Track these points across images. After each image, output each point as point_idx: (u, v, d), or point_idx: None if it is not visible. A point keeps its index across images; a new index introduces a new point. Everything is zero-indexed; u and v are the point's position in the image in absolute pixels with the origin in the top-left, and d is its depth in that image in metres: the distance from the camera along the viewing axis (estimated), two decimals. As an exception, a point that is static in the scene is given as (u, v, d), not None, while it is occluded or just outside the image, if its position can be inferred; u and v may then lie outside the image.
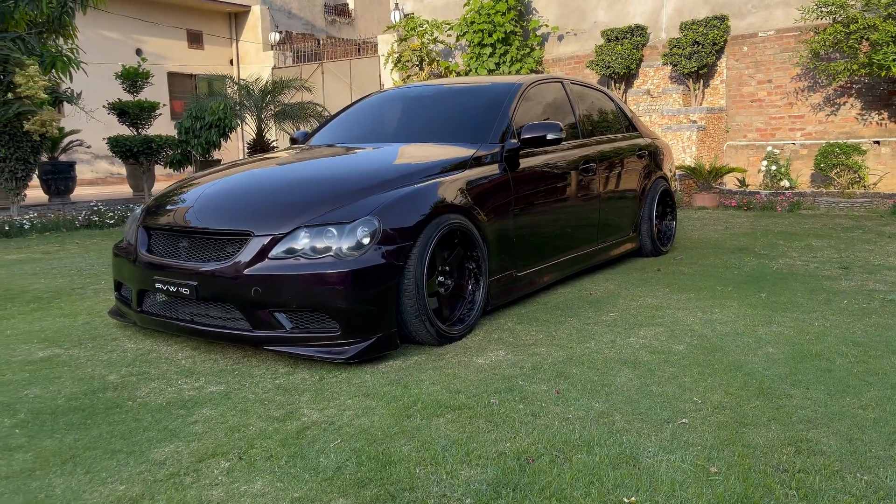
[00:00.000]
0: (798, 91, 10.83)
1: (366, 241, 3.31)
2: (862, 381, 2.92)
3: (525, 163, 4.40)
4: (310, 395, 2.97)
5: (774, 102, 11.08)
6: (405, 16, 14.96)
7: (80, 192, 11.53)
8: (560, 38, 13.21)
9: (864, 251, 6.06)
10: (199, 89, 18.35)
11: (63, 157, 11.47)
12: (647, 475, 2.17)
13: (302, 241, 3.32)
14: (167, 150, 11.05)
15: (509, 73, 12.62)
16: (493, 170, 4.14)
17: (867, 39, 9.26)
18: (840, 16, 9.47)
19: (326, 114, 13.85)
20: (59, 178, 10.75)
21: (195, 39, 18.58)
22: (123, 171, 16.40)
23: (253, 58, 19.04)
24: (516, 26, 12.82)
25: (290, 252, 3.31)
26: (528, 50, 12.84)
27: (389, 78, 15.09)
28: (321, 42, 19.35)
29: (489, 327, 3.92)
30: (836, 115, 10.58)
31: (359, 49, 18.94)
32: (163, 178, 15.65)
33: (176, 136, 11.26)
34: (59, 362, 3.48)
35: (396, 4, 15.17)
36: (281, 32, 19.18)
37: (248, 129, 12.74)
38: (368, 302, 3.30)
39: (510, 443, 2.43)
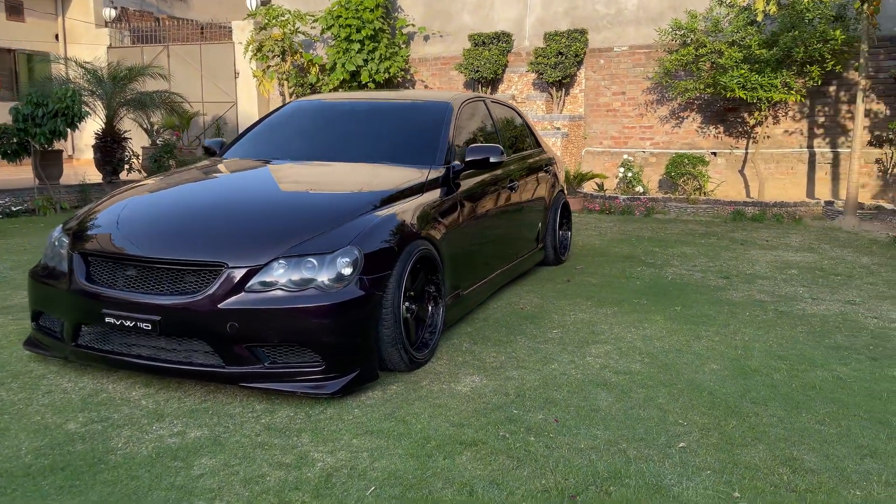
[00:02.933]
0: (648, 104, 11.79)
1: (347, 271, 3.24)
2: (805, 396, 3.33)
3: (465, 184, 4.49)
4: (308, 435, 2.89)
5: (627, 113, 11.98)
6: (263, 3, 14.38)
7: None
8: (426, 38, 13.35)
9: (731, 259, 6.79)
10: (21, 68, 16.51)
11: None
12: (680, 504, 2.38)
13: (280, 273, 3.18)
14: (3, 139, 9.84)
15: (378, 70, 12.57)
16: (444, 192, 4.19)
17: (713, 63, 10.29)
18: (690, 39, 10.44)
19: (185, 104, 13.02)
20: None
21: (15, 10, 16.60)
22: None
23: (83, 34, 17.35)
24: (384, 23, 12.79)
25: (268, 284, 3.16)
26: (396, 48, 12.86)
27: (248, 67, 14.45)
28: (162, 22, 18.04)
29: (446, 349, 3.98)
30: (680, 127, 11.65)
31: (202, 31, 17.87)
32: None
33: (12, 124, 10.06)
34: (-8, 409, 3.09)
35: (253, -10, 14.53)
36: (116, 8, 17.64)
37: (95, 119, 11.62)
38: (352, 334, 3.24)
39: (543, 479, 2.53)
